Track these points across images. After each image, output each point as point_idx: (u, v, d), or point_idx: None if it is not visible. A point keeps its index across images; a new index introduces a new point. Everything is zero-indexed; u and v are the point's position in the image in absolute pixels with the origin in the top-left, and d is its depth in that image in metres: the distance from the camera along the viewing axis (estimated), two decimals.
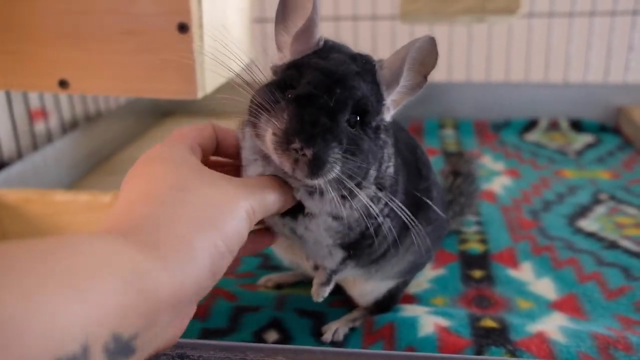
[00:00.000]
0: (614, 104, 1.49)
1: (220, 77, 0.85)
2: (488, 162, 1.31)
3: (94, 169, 1.26)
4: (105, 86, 0.81)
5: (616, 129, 1.47)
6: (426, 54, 0.52)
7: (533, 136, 1.47)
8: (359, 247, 0.59)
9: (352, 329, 0.72)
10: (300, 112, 0.47)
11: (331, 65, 0.50)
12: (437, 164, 1.29)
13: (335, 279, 0.63)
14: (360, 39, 1.50)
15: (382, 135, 0.54)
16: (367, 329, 0.71)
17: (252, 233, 0.53)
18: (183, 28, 0.76)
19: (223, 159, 0.59)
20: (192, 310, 0.43)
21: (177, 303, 0.40)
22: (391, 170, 0.57)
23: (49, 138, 1.19)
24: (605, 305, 0.77)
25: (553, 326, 0.70)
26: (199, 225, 0.42)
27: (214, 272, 0.43)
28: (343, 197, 0.52)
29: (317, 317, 0.74)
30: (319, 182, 0.49)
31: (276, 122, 0.47)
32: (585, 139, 1.43)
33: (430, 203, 0.65)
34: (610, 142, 1.41)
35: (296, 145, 0.46)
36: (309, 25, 0.51)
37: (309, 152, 0.46)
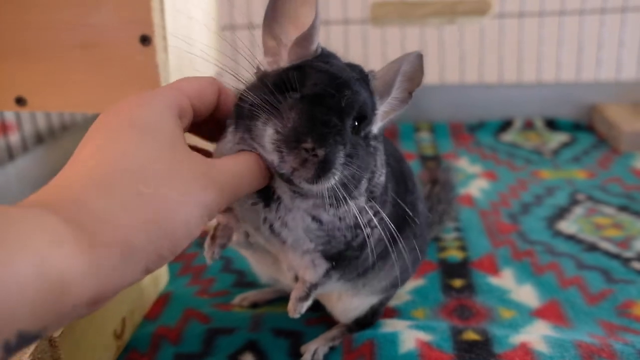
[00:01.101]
0: (587, 102, 1.49)
1: None
2: (464, 164, 1.30)
3: None
4: (65, 102, 0.78)
5: (590, 127, 1.47)
6: (414, 71, 0.52)
7: (508, 136, 1.46)
8: (344, 258, 0.57)
9: (331, 348, 0.69)
10: (311, 110, 0.45)
11: (335, 70, 0.49)
12: (414, 168, 1.27)
13: (317, 293, 0.61)
14: (332, 43, 1.47)
15: (373, 143, 0.53)
16: (346, 347, 0.69)
17: None
18: (145, 40, 0.73)
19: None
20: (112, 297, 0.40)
21: (98, 300, 0.37)
22: (382, 179, 0.55)
23: (10, 155, 1.14)
24: (587, 311, 0.75)
25: (536, 336, 0.68)
26: (147, 229, 0.38)
27: (149, 270, 0.40)
28: (331, 205, 0.50)
29: (294, 337, 0.72)
30: (318, 188, 0.46)
31: (280, 122, 0.45)
32: (560, 138, 1.43)
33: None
34: (585, 140, 1.40)
35: (308, 144, 0.44)
36: (312, 32, 0.50)
37: (320, 153, 0.44)
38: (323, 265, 0.57)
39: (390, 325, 0.72)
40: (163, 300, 0.81)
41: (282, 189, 0.51)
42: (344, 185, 0.48)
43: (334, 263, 0.57)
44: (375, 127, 0.53)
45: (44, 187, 0.39)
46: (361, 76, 0.52)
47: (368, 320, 0.71)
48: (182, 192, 0.41)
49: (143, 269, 0.39)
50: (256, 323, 0.74)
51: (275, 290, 0.80)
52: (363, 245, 0.56)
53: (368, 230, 0.54)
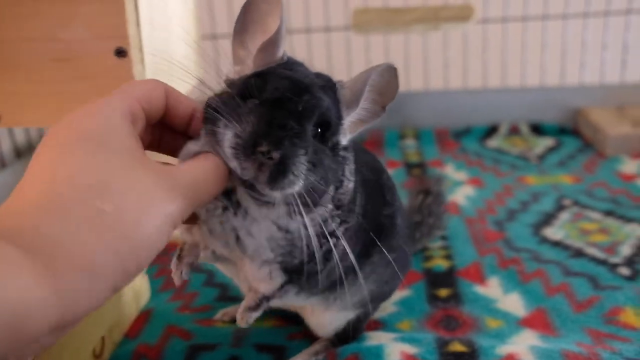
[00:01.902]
0: (571, 106, 1.49)
1: None
2: (450, 171, 1.29)
3: None
4: (40, 118, 0.76)
5: (575, 131, 1.47)
6: (386, 84, 0.51)
7: (494, 142, 1.46)
8: (301, 271, 0.54)
9: None
10: (268, 114, 0.44)
11: (298, 76, 0.49)
12: (399, 176, 1.26)
13: (273, 304, 0.59)
14: (314, 51, 1.46)
15: (341, 153, 0.52)
16: None
17: None
18: (121, 53, 0.72)
19: None
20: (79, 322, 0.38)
21: (62, 325, 0.35)
22: (351, 186, 0.54)
23: None
24: (574, 319, 0.74)
25: (523, 346, 0.67)
26: (110, 247, 0.37)
27: (117, 287, 0.38)
28: (294, 212, 0.48)
29: (277, 352, 0.71)
30: (278, 195, 0.45)
31: (239, 126, 0.44)
32: (546, 142, 1.42)
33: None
34: (570, 144, 1.40)
35: (263, 147, 0.43)
36: (276, 38, 0.50)
37: (275, 155, 0.43)
38: (279, 279, 0.55)
39: (375, 338, 0.71)
40: (144, 317, 0.79)
41: (244, 197, 0.49)
42: (309, 192, 0.46)
43: (293, 276, 0.55)
44: (344, 138, 0.52)
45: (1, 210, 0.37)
46: (327, 84, 0.51)
47: (348, 334, 0.69)
48: (143, 204, 0.39)
49: (110, 288, 0.37)
50: (238, 338, 0.73)
51: None
52: (327, 256, 0.54)
53: (333, 240, 0.53)
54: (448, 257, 0.91)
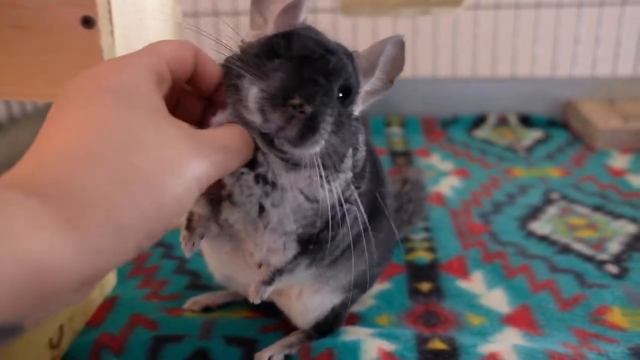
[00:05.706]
0: (561, 98, 1.46)
1: None
2: (436, 161, 1.25)
3: None
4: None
5: (564, 124, 1.44)
6: (396, 57, 0.52)
7: (482, 132, 1.42)
8: (318, 241, 0.54)
9: (287, 357, 0.64)
10: (299, 70, 0.44)
11: (322, 38, 0.49)
12: (384, 164, 1.22)
13: (284, 281, 0.57)
14: None
15: (354, 122, 0.52)
16: (304, 356, 0.64)
17: None
18: (88, 22, 0.67)
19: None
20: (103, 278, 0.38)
21: (87, 282, 0.34)
22: (364, 154, 0.54)
23: None
24: (560, 317, 0.71)
25: (506, 345, 0.64)
26: (138, 205, 0.35)
27: (141, 248, 0.37)
28: (321, 177, 0.47)
29: (248, 345, 0.67)
30: (302, 152, 0.45)
31: (265, 82, 0.44)
32: (534, 134, 1.39)
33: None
34: (559, 137, 1.37)
35: (296, 100, 0.42)
36: (299, 1, 0.50)
37: (308, 109, 0.42)
38: (292, 250, 0.54)
39: (352, 333, 0.67)
40: (108, 304, 0.75)
41: (276, 164, 0.48)
42: (329, 155, 0.46)
43: (306, 247, 0.54)
44: (357, 108, 0.52)
45: (18, 165, 0.36)
46: (346, 52, 0.51)
47: (329, 324, 0.66)
48: (172, 163, 0.38)
49: (134, 248, 0.36)
50: (207, 330, 0.69)
51: (228, 294, 0.75)
52: (340, 224, 0.53)
53: (347, 205, 0.52)
54: (431, 249, 0.88)
